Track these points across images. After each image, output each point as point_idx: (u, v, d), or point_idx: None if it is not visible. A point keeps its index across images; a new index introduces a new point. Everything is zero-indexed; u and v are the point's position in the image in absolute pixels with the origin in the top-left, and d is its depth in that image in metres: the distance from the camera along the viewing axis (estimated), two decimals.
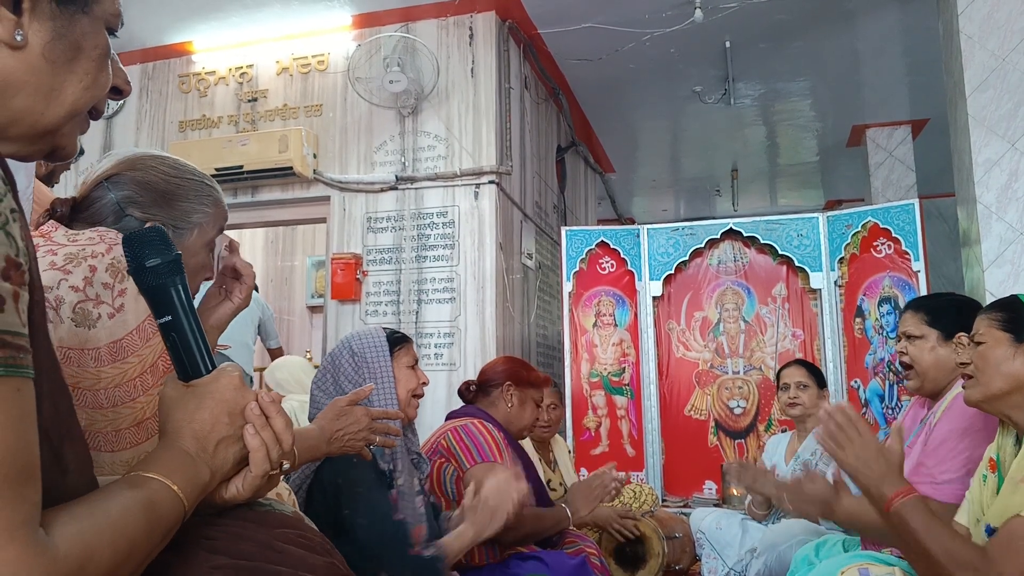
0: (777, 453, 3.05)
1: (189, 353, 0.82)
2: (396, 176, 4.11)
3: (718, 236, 4.16)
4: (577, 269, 4.23)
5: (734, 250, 4.19)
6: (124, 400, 0.95)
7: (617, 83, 5.09)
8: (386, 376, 1.86)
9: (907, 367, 1.97)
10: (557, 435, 3.17)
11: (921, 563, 1.39)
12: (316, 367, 4.15)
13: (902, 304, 3.64)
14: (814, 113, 5.81)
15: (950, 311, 1.92)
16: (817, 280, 3.97)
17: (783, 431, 3.44)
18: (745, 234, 4.11)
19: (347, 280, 4.05)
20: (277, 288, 6.38)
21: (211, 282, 1.29)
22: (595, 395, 4.15)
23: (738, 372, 4.11)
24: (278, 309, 6.08)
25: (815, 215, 4.03)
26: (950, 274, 6.52)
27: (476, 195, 3.98)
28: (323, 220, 4.32)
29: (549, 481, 2.88)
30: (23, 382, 0.58)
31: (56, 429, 0.69)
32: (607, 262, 4.26)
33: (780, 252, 4.03)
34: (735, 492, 3.29)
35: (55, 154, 0.74)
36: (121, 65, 0.79)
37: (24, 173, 1.51)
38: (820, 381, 3.02)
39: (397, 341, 1.93)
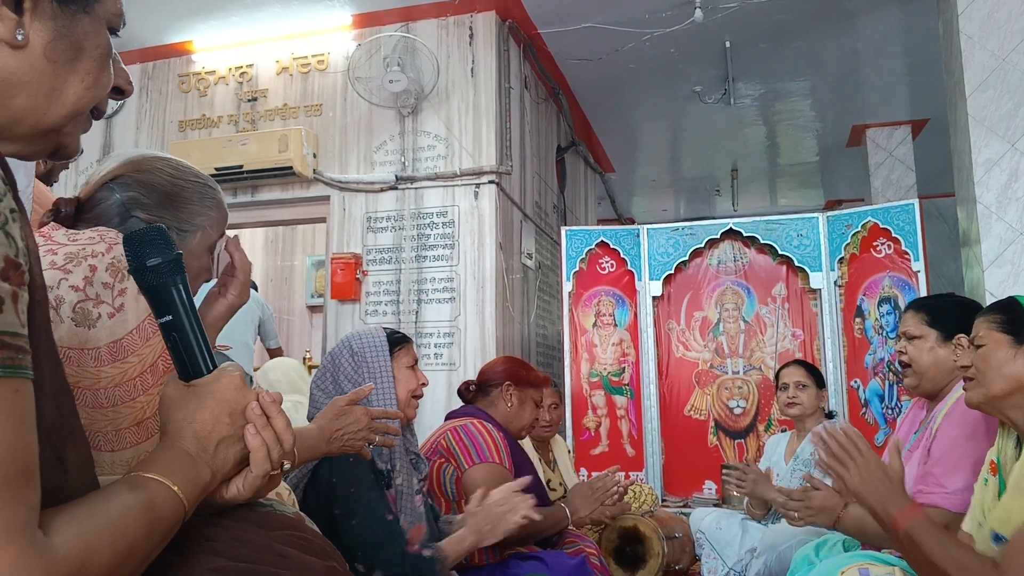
0: (776, 453, 3.05)
1: (190, 353, 0.82)
2: (396, 176, 4.11)
3: (718, 236, 4.16)
4: (577, 269, 4.23)
5: (734, 250, 4.19)
6: (124, 400, 0.95)
7: (617, 83, 5.09)
8: (386, 376, 1.86)
9: (905, 366, 1.97)
10: (557, 435, 3.18)
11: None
12: (314, 368, 4.15)
13: (902, 304, 3.64)
14: (814, 113, 5.81)
15: (950, 312, 1.92)
16: (817, 280, 3.97)
17: (783, 431, 3.44)
18: (745, 234, 4.11)
19: (347, 280, 4.05)
20: (277, 288, 6.38)
21: (211, 283, 1.29)
22: (595, 395, 4.15)
23: (738, 372, 4.12)
24: (278, 309, 6.08)
25: (815, 215, 4.03)
26: (950, 274, 6.52)
27: (476, 195, 3.98)
28: (323, 220, 4.32)
29: (549, 481, 2.88)
30: (22, 383, 0.58)
31: (58, 430, 0.69)
32: (607, 262, 4.26)
33: (780, 252, 4.03)
34: (735, 492, 3.29)
35: (58, 153, 0.74)
36: (123, 65, 0.79)
37: (24, 172, 1.50)
38: (819, 381, 3.02)
39: (397, 341, 1.93)
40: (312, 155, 4.20)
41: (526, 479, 1.94)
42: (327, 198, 4.24)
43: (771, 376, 3.94)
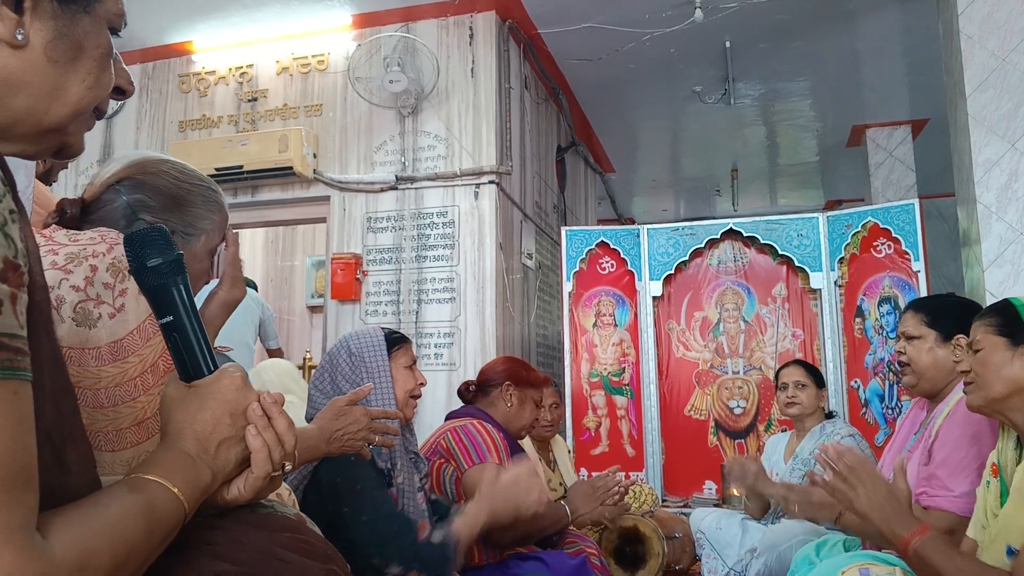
0: (777, 452, 3.05)
1: (191, 353, 0.81)
2: (396, 176, 4.11)
3: (718, 236, 4.16)
4: (577, 269, 4.23)
5: (734, 250, 4.19)
6: (124, 399, 0.95)
7: (617, 83, 5.09)
8: (384, 376, 1.85)
9: (904, 365, 1.97)
10: (557, 435, 3.18)
11: None
12: (314, 368, 4.15)
13: (902, 304, 3.64)
14: (814, 113, 5.81)
15: (950, 312, 1.92)
16: (817, 280, 3.97)
17: (783, 431, 3.44)
18: (745, 234, 4.11)
19: (347, 280, 4.05)
20: (277, 288, 6.38)
21: (210, 284, 1.29)
22: (595, 395, 4.15)
23: (738, 372, 4.12)
24: (278, 309, 6.08)
25: (815, 215, 4.03)
26: (950, 274, 6.53)
27: (476, 195, 3.98)
28: (323, 220, 4.32)
29: (549, 481, 2.88)
30: (20, 384, 0.57)
31: (59, 431, 0.68)
32: (607, 262, 4.26)
33: (780, 252, 4.03)
34: (735, 492, 3.29)
35: (62, 152, 0.74)
36: (124, 65, 0.79)
37: (24, 172, 1.50)
38: (819, 381, 3.02)
39: (395, 341, 1.93)
40: (312, 155, 4.20)
41: (531, 464, 1.92)
42: (327, 198, 4.24)
43: (771, 376, 3.94)
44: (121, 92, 0.79)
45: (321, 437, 1.58)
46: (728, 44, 4.55)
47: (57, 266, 0.96)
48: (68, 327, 0.93)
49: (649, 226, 4.25)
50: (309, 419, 1.78)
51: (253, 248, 6.37)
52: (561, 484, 2.98)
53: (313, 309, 6.21)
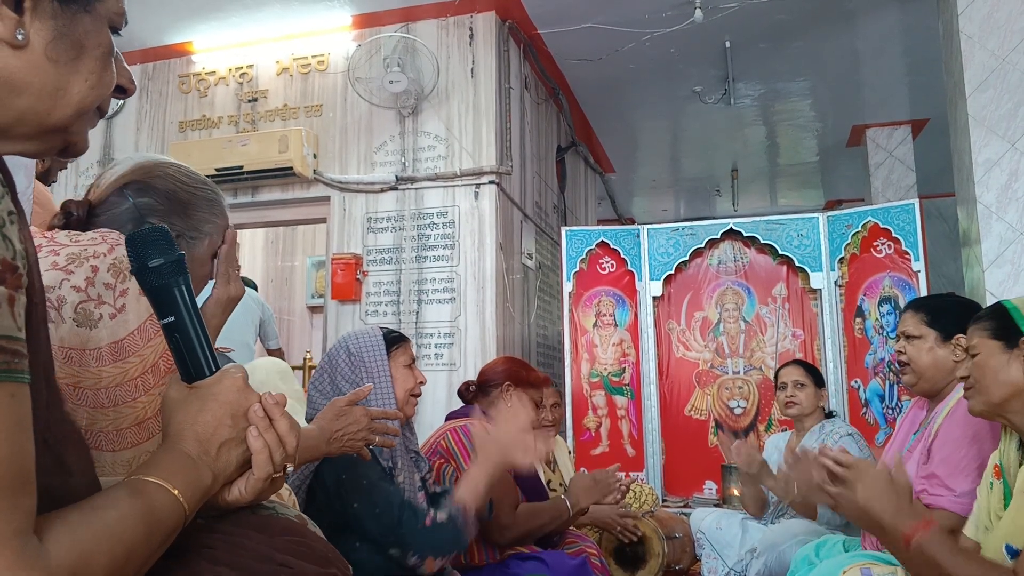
0: (777, 452, 3.05)
1: (192, 354, 0.81)
2: (396, 176, 4.11)
3: (718, 236, 4.16)
4: (577, 269, 4.23)
5: (734, 250, 4.19)
6: (125, 400, 0.95)
7: (617, 83, 5.09)
8: (383, 376, 1.86)
9: (904, 364, 1.97)
10: (557, 435, 3.17)
11: None
12: (312, 368, 4.14)
13: (902, 304, 3.64)
14: (814, 113, 5.81)
15: (950, 312, 1.92)
16: (817, 280, 3.97)
17: (783, 431, 3.44)
18: (745, 234, 4.11)
19: (347, 280, 4.05)
20: (277, 288, 6.38)
21: (209, 285, 1.29)
22: (595, 395, 4.15)
23: (738, 372, 4.12)
24: (278, 309, 6.08)
25: (815, 215, 4.03)
26: (950, 274, 6.53)
27: (476, 195, 3.98)
28: (323, 220, 4.32)
29: (549, 482, 2.88)
30: (18, 387, 0.57)
31: (57, 432, 0.68)
32: (607, 262, 4.26)
33: (780, 252, 4.03)
34: (735, 492, 3.29)
35: (67, 151, 0.74)
36: (125, 64, 0.79)
37: (24, 173, 1.50)
38: (818, 380, 3.02)
39: (394, 341, 1.93)
40: (312, 155, 4.20)
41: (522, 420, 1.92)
42: (327, 198, 4.25)
43: (771, 376, 3.94)
44: (123, 91, 0.79)
45: (321, 437, 1.58)
46: (728, 44, 4.55)
47: (58, 266, 0.96)
48: (69, 327, 0.93)
49: (649, 226, 4.25)
50: (309, 420, 1.78)
51: (253, 248, 6.37)
52: (561, 484, 2.97)
53: (313, 309, 6.21)
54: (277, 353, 4.89)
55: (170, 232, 0.83)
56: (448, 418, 2.42)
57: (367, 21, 4.24)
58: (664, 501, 3.87)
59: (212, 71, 4.58)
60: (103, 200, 1.11)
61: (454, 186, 4.03)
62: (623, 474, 2.70)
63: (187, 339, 0.81)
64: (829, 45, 4.64)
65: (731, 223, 4.14)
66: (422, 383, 1.96)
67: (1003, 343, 1.44)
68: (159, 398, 0.94)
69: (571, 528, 2.49)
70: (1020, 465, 1.40)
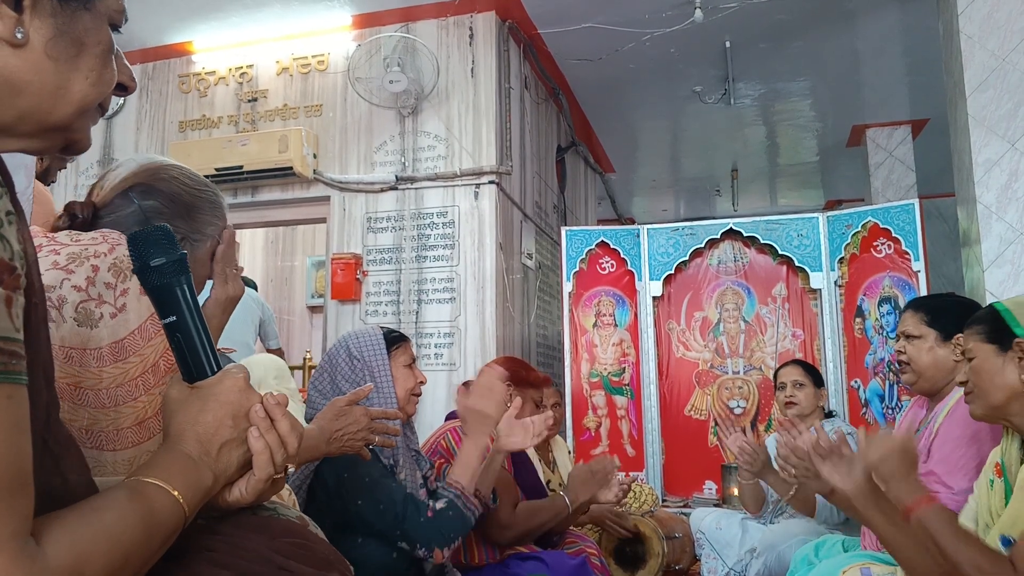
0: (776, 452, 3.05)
1: (194, 354, 0.81)
2: (396, 176, 4.11)
3: (718, 236, 4.16)
4: (577, 269, 4.23)
5: (734, 250, 4.19)
6: (126, 399, 0.95)
7: (617, 83, 5.09)
8: (384, 376, 1.86)
9: (904, 364, 1.97)
10: (557, 435, 3.17)
11: (921, 568, 1.38)
12: (314, 368, 4.14)
13: (902, 304, 3.64)
14: (814, 113, 5.81)
15: (950, 312, 1.92)
16: (817, 280, 3.97)
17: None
18: (745, 234, 4.11)
19: (347, 280, 4.05)
20: (277, 288, 6.38)
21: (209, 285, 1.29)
22: (595, 395, 4.15)
23: (738, 372, 4.12)
24: (278, 309, 6.08)
25: (815, 215, 4.03)
26: (950, 274, 6.53)
27: (476, 195, 3.98)
28: (323, 220, 4.32)
29: (549, 482, 2.87)
30: (15, 388, 0.57)
31: (56, 433, 0.68)
32: (607, 262, 4.26)
33: (780, 252, 4.03)
34: (735, 492, 3.29)
35: (69, 148, 0.74)
36: (126, 61, 0.79)
37: (24, 173, 1.50)
38: (817, 380, 3.02)
39: (394, 340, 1.93)
40: (312, 155, 4.20)
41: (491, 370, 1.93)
42: (327, 198, 4.24)
43: (771, 376, 3.94)
44: (124, 88, 0.78)
45: (321, 437, 1.59)
46: (728, 44, 4.55)
47: (59, 266, 0.96)
48: (70, 327, 0.93)
49: (649, 226, 4.25)
50: (308, 419, 1.78)
51: (253, 248, 6.37)
52: (561, 485, 2.97)
53: (313, 309, 6.21)
54: (277, 353, 4.88)
55: (172, 231, 0.83)
56: (448, 418, 2.42)
57: (367, 21, 4.24)
58: (664, 501, 3.87)
59: (212, 71, 4.58)
60: (108, 202, 1.11)
61: (454, 186, 4.03)
62: (623, 474, 2.70)
63: (189, 339, 0.80)
64: (829, 45, 4.64)
65: (731, 223, 4.14)
66: (422, 383, 1.96)
67: (997, 346, 1.44)
68: (160, 398, 0.94)
69: (571, 528, 2.49)
70: (1022, 464, 1.40)
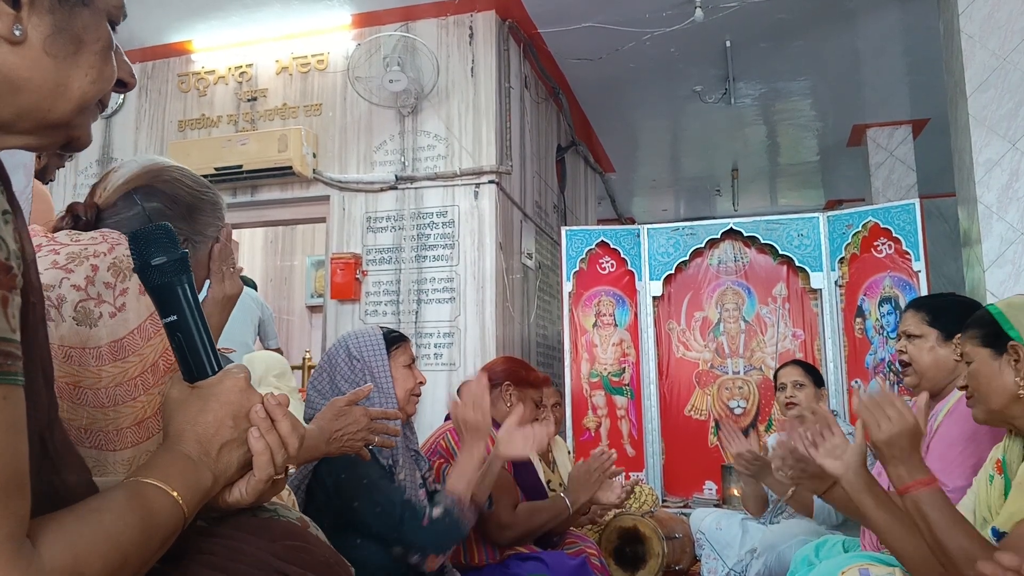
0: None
1: (195, 353, 0.80)
2: (396, 176, 4.11)
3: (718, 236, 4.16)
4: (577, 269, 4.23)
5: (734, 250, 4.19)
6: (125, 399, 0.95)
7: (617, 83, 5.09)
8: (384, 376, 1.85)
9: (905, 365, 1.97)
10: (557, 435, 3.17)
11: (909, 553, 1.39)
12: (312, 368, 4.13)
13: (903, 304, 3.63)
14: (814, 113, 5.81)
15: (951, 311, 1.92)
16: (817, 280, 3.96)
17: (783, 431, 3.44)
18: (745, 234, 4.11)
19: (347, 280, 4.04)
20: (277, 288, 6.37)
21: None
22: (595, 395, 4.14)
23: (738, 372, 4.11)
24: (277, 309, 6.08)
25: (815, 215, 4.03)
26: (950, 274, 6.52)
27: (476, 195, 3.98)
28: (323, 220, 4.32)
29: (549, 482, 2.87)
30: (11, 389, 0.56)
31: (55, 433, 0.68)
32: (607, 262, 4.25)
33: (780, 252, 4.03)
34: (735, 492, 3.28)
35: (70, 145, 0.73)
36: (126, 58, 0.78)
37: (23, 172, 1.50)
38: (817, 380, 3.02)
39: (394, 340, 1.93)
40: (312, 155, 4.20)
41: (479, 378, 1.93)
42: (327, 198, 4.24)
43: (771, 376, 3.94)
44: (123, 84, 0.78)
45: (321, 437, 1.58)
46: (728, 44, 4.55)
47: (58, 265, 0.96)
48: (69, 326, 0.93)
49: (649, 226, 4.25)
50: (307, 420, 1.78)
51: (253, 248, 6.37)
52: (561, 485, 2.97)
53: (313, 309, 6.21)
54: (276, 352, 4.88)
55: (174, 230, 0.82)
56: (447, 418, 2.41)
57: (367, 20, 4.24)
58: (664, 501, 3.87)
59: (211, 70, 4.57)
60: (111, 204, 1.11)
61: (454, 186, 4.03)
62: (624, 475, 2.69)
63: (189, 338, 0.80)
64: (829, 45, 4.64)
65: (731, 223, 4.14)
66: (422, 383, 1.96)
67: (992, 350, 1.44)
68: (159, 397, 0.94)
69: (571, 528, 2.49)
70: (1022, 461, 1.40)
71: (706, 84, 5.14)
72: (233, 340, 4.32)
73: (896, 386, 3.59)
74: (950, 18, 3.41)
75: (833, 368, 3.86)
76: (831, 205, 8.11)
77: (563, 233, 4.30)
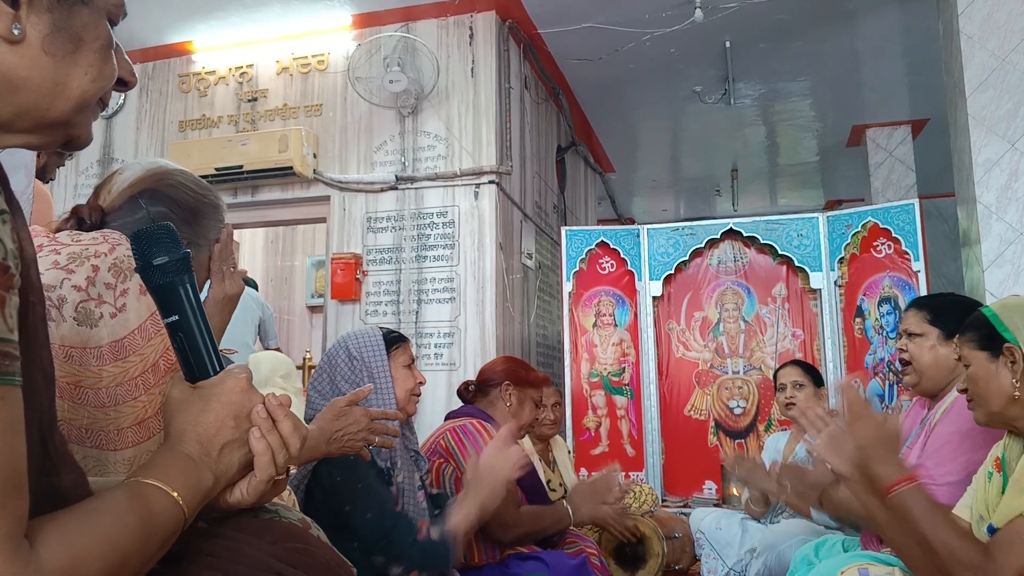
0: (775, 451, 3.05)
1: (196, 353, 0.80)
2: (396, 176, 4.11)
3: (718, 236, 4.15)
4: (577, 269, 4.23)
5: (734, 250, 4.19)
6: (125, 399, 0.95)
7: (617, 83, 5.09)
8: (384, 376, 1.85)
9: (906, 363, 1.98)
10: (557, 435, 3.17)
11: (911, 553, 1.40)
12: (313, 368, 4.13)
13: (902, 304, 3.63)
14: (814, 113, 5.81)
15: (952, 310, 1.92)
16: (817, 280, 3.96)
17: (783, 431, 3.44)
18: (745, 234, 4.11)
19: (347, 280, 4.04)
20: (277, 288, 6.37)
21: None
22: (595, 395, 4.14)
23: (738, 372, 4.11)
24: (278, 309, 6.08)
25: (815, 215, 4.03)
26: (950, 274, 6.52)
27: (476, 195, 3.98)
28: (323, 220, 4.32)
29: (549, 481, 2.87)
30: (9, 390, 0.56)
31: (54, 433, 0.68)
32: (607, 262, 4.25)
33: (780, 252, 4.03)
34: (735, 492, 3.29)
35: (70, 144, 0.73)
36: (126, 56, 0.78)
37: (24, 172, 1.50)
38: (817, 380, 3.02)
39: (393, 341, 1.93)
40: (312, 155, 4.20)
41: (510, 430, 1.92)
42: (327, 198, 4.24)
43: (771, 376, 3.94)
44: (124, 83, 0.78)
45: (321, 438, 1.58)
46: (728, 44, 4.55)
47: (59, 266, 0.96)
48: (70, 326, 0.93)
49: (649, 226, 4.25)
50: (308, 420, 1.78)
51: (253, 248, 6.37)
52: (561, 484, 2.97)
53: (313, 309, 6.21)
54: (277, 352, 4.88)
55: (175, 230, 0.82)
56: (447, 418, 2.41)
57: (367, 21, 4.24)
58: (664, 501, 3.87)
59: (212, 71, 4.58)
60: (115, 208, 1.12)
61: (454, 186, 4.03)
62: (623, 474, 2.70)
63: (191, 338, 0.80)
64: (829, 45, 4.64)
65: (731, 223, 4.14)
66: (422, 383, 1.96)
67: (989, 353, 1.44)
68: (160, 397, 0.94)
69: (571, 528, 2.49)
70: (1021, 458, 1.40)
71: (706, 84, 5.14)
72: (234, 340, 4.32)
73: (896, 386, 3.59)
74: (949, 18, 3.41)
75: (832, 368, 3.86)
76: (831, 205, 8.11)
77: (563, 233, 4.30)
